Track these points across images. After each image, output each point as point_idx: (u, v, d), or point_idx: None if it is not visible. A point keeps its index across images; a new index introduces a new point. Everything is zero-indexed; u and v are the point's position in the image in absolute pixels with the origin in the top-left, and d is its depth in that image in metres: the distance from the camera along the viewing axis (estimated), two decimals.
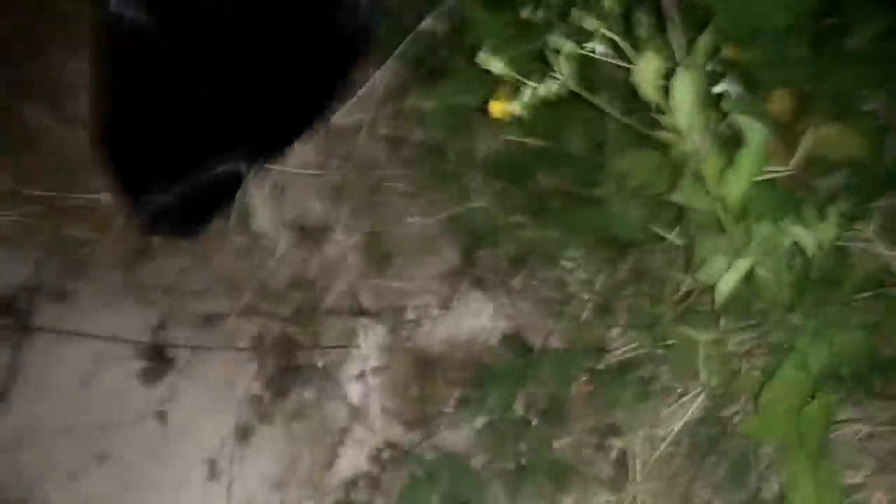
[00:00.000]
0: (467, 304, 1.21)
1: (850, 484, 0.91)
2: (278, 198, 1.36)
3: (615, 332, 1.13)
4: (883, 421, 0.94)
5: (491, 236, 1.25)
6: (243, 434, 1.14)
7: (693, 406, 1.02)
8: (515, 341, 1.16)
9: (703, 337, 0.98)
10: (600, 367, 1.11)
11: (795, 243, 0.87)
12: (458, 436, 1.09)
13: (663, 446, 1.01)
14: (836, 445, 0.93)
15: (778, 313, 0.90)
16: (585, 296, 1.17)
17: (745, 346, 0.98)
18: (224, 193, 1.32)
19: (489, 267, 1.24)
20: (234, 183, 1.30)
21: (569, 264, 1.19)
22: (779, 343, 0.89)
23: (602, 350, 1.14)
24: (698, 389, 1.02)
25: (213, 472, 1.11)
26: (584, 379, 1.10)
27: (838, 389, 0.91)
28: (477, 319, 1.20)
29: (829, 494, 0.86)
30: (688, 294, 1.08)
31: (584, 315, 1.16)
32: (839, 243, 0.97)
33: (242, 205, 1.34)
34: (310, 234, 1.32)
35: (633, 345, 1.10)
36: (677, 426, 1.01)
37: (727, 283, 0.87)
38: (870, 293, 0.97)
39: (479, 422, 1.08)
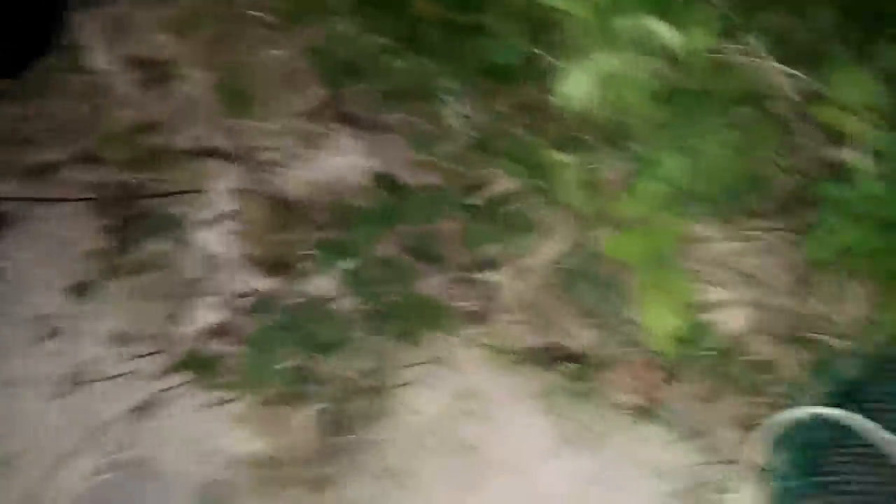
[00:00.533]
0: (333, 143, 1.11)
1: (713, 301, 0.90)
2: (118, 31, 1.18)
3: (491, 167, 1.06)
4: (752, 239, 0.91)
5: (360, 68, 1.13)
6: (85, 290, 1.03)
7: (564, 237, 0.97)
8: (385, 180, 1.07)
9: (574, 161, 0.91)
10: (474, 202, 1.04)
11: (663, 46, 0.79)
12: (322, 281, 1.02)
13: (533, 278, 0.97)
14: (702, 264, 0.91)
15: (645, 128, 0.83)
16: (462, 131, 1.09)
17: (615, 169, 0.92)
18: (41, 23, 1.14)
19: (358, 102, 1.13)
20: (52, 11, 1.12)
21: (445, 97, 1.09)
22: (644, 158, 0.83)
23: (477, 186, 1.07)
24: (570, 220, 0.97)
25: (51, 332, 1.01)
26: (456, 216, 1.04)
27: (706, 206, 0.87)
28: (344, 158, 1.10)
29: (679, 310, 0.84)
30: (565, 124, 1.01)
31: (461, 151, 1.08)
32: (721, 55, 0.90)
33: (74, 40, 1.17)
34: (156, 72, 1.17)
35: (509, 180, 1.03)
36: (547, 257, 0.97)
37: (579, 84, 0.79)
38: (748, 108, 0.91)
39: (344, 265, 1.01)
